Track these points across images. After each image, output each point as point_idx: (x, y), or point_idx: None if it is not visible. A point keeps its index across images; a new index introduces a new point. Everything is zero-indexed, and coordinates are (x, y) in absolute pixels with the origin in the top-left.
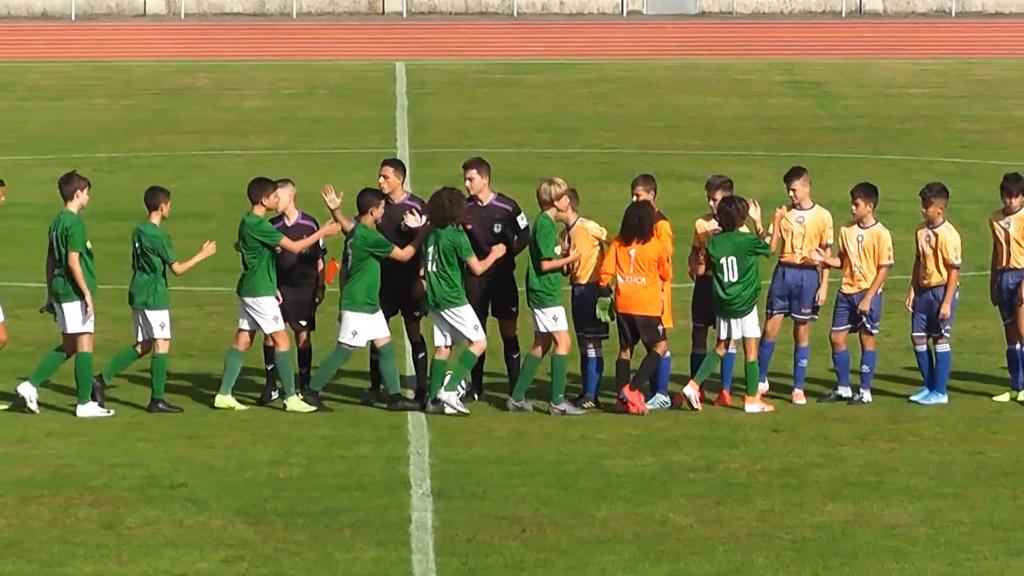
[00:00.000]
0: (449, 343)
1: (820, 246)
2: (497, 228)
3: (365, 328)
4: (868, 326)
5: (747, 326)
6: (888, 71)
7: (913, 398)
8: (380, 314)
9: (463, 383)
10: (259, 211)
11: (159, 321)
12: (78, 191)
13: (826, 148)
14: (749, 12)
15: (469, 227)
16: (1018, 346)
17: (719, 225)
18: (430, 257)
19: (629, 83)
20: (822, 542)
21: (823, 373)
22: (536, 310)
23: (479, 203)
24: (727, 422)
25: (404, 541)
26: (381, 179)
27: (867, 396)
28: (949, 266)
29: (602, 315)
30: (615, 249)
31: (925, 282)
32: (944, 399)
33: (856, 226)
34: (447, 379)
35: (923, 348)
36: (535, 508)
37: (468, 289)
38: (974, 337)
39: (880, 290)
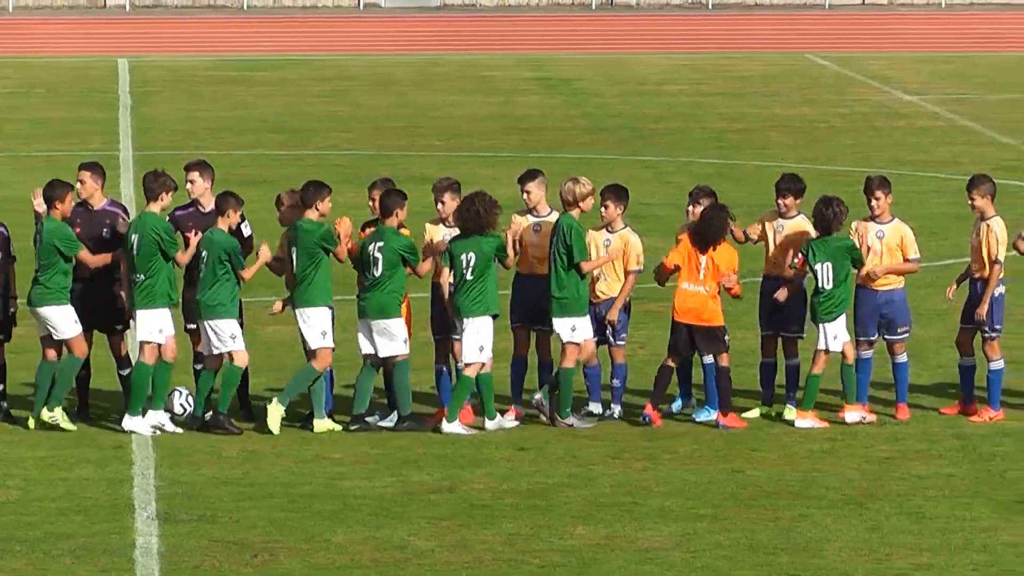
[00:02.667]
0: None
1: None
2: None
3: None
4: (614, 338)
5: (839, 333)
6: (642, 67)
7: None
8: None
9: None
10: (312, 215)
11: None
12: (163, 193)
13: (578, 149)
14: (494, 5)
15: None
16: (773, 360)
17: (814, 228)
18: (464, 266)
19: (368, 80)
20: (572, 567)
21: (579, 385)
22: (556, 318)
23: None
24: (470, 440)
25: (128, 568)
26: (78, 184)
27: (618, 412)
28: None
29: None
30: (686, 251)
31: None
32: (714, 416)
33: (605, 230)
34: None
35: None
36: (267, 532)
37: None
38: (734, 349)
39: (628, 299)
